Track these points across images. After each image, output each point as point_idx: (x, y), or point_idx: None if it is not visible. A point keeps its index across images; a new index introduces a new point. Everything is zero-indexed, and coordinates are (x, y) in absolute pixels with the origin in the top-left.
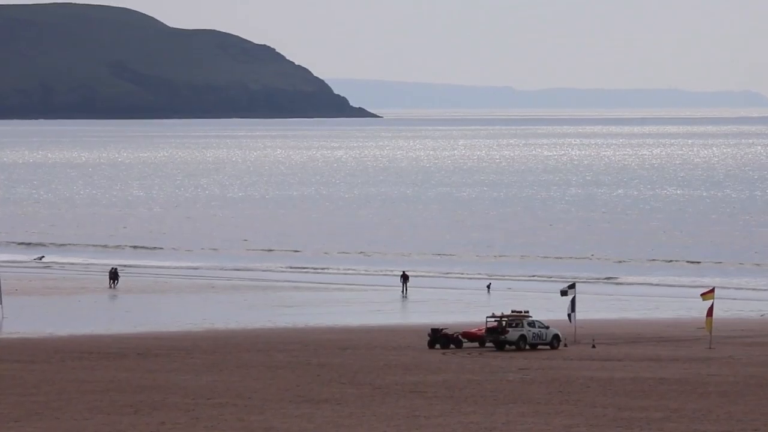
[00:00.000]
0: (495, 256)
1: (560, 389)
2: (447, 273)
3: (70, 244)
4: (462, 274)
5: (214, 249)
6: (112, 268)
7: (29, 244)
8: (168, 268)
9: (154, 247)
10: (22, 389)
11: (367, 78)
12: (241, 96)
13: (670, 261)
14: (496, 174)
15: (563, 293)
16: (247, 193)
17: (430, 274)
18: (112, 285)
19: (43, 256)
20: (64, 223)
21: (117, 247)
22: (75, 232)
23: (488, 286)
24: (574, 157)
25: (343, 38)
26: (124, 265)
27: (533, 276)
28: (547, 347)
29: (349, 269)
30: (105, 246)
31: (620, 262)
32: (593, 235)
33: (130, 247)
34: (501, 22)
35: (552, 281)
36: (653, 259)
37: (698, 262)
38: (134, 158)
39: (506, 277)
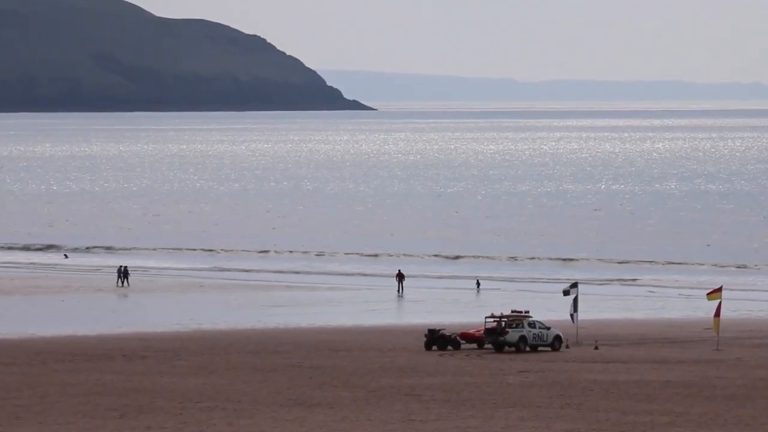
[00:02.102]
0: (493, 256)
1: (561, 392)
2: (444, 272)
3: (52, 245)
4: (460, 273)
5: (202, 247)
6: (121, 267)
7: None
8: (154, 267)
9: (139, 246)
10: (3, 392)
11: (362, 69)
12: (231, 88)
13: (675, 259)
14: (495, 169)
15: (566, 293)
16: (234, 189)
17: (427, 273)
18: (122, 283)
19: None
20: (42, 220)
21: (102, 247)
22: (55, 230)
23: (478, 284)
24: (576, 152)
25: (337, 28)
26: (105, 266)
27: (533, 276)
28: (548, 349)
29: (342, 267)
30: (80, 248)
31: (624, 261)
32: (595, 232)
33: (112, 246)
34: (501, 11)
35: (553, 282)
36: (657, 258)
37: (704, 261)
38: (118, 152)
39: (505, 278)
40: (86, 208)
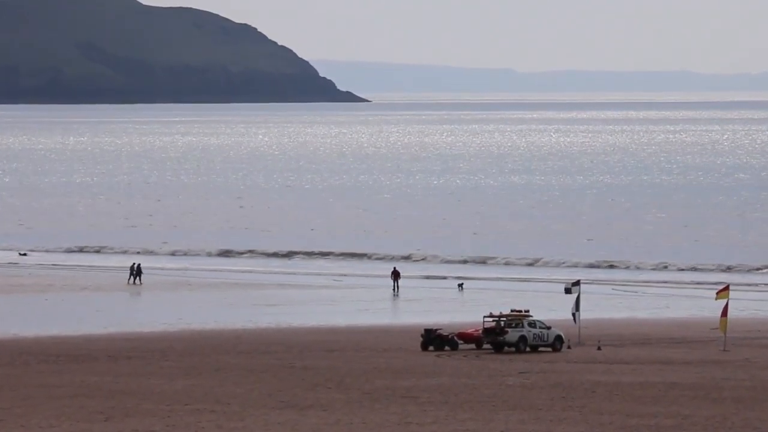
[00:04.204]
0: (492, 255)
1: (563, 394)
2: (441, 271)
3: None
4: (458, 272)
5: (192, 245)
6: (134, 264)
7: None
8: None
9: (124, 244)
10: None
11: (356, 60)
12: (221, 79)
13: (677, 257)
14: (494, 163)
15: (567, 291)
16: (224, 183)
17: (424, 272)
18: (136, 281)
19: (26, 253)
20: (23, 216)
21: (89, 245)
22: (39, 226)
23: (460, 285)
24: (578, 145)
25: (330, 17)
26: (95, 266)
27: (533, 275)
28: (549, 349)
29: (336, 266)
30: (62, 247)
31: (628, 259)
32: (598, 229)
33: (97, 245)
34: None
35: (553, 282)
36: (658, 256)
37: (708, 259)
38: (103, 145)
39: (504, 277)
40: (62, 203)
